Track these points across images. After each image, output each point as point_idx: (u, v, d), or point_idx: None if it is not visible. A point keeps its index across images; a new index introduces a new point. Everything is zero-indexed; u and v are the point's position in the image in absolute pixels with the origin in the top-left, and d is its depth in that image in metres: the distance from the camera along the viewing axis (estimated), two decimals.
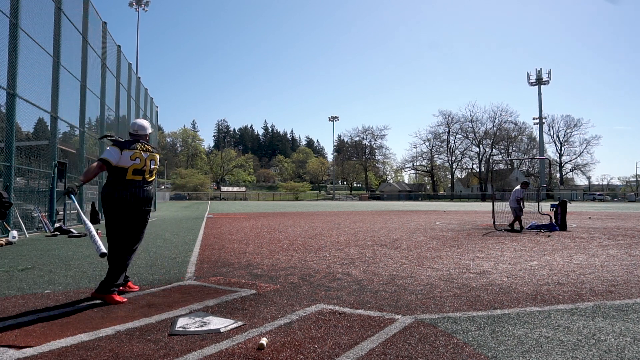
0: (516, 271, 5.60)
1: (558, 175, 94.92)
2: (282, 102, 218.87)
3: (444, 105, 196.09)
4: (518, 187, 12.34)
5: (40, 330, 3.10)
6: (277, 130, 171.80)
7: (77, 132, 14.21)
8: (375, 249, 7.84)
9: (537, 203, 13.42)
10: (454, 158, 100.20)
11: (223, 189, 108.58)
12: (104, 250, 3.56)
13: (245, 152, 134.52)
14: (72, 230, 10.58)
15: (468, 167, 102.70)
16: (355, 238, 9.89)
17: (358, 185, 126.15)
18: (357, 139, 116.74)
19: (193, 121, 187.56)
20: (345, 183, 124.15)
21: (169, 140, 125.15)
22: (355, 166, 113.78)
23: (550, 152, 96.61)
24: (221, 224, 14.68)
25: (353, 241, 9.22)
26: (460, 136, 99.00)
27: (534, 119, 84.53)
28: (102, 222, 14.00)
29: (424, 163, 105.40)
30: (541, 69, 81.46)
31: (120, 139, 4.10)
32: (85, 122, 14.44)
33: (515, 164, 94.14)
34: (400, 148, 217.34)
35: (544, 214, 12.39)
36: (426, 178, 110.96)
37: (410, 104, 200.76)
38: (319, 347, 2.79)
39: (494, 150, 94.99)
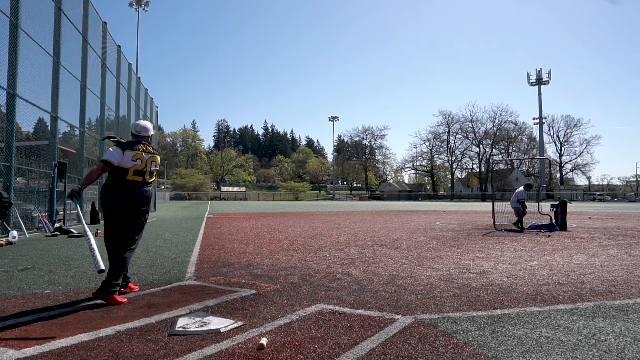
0: (516, 271, 5.59)
1: (558, 175, 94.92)
2: (282, 102, 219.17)
3: (444, 105, 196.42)
4: (521, 188, 12.33)
5: (40, 330, 3.10)
6: (277, 130, 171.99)
7: (77, 132, 14.21)
8: (375, 249, 7.84)
9: (537, 203, 13.42)
10: (454, 158, 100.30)
11: (223, 189, 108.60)
12: (102, 267, 3.53)
13: (245, 152, 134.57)
14: (72, 230, 10.58)
15: (468, 167, 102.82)
16: (355, 238, 9.89)
17: (358, 185, 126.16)
18: (357, 139, 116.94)
19: (193, 121, 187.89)
20: (345, 183, 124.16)
21: (169, 140, 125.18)
22: (355, 166, 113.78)
23: (550, 152, 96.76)
24: (221, 224, 14.68)
25: (353, 241, 9.22)
26: (460, 136, 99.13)
27: (534, 119, 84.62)
28: (102, 222, 14.00)
29: (424, 163, 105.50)
30: (541, 69, 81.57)
31: (122, 140, 4.13)
32: (85, 122, 14.44)
33: (515, 164, 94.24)
34: (400, 148, 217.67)
35: (544, 214, 12.39)
36: (426, 178, 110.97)
37: (410, 104, 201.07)
38: (319, 347, 2.79)
39: (494, 150, 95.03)
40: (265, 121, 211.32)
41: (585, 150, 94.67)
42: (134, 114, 22.07)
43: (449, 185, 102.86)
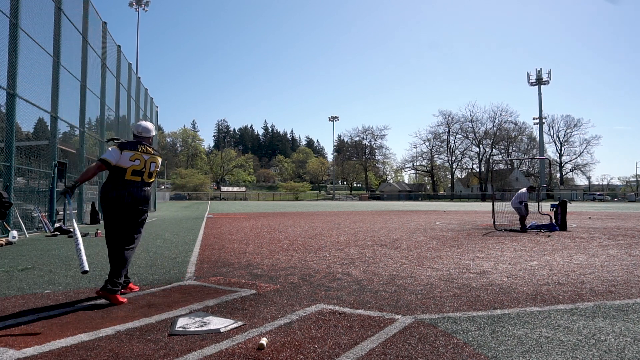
0: (516, 271, 5.59)
1: (558, 175, 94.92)
2: (282, 102, 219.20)
3: (444, 105, 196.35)
4: (524, 190, 12.32)
5: (40, 330, 3.10)
6: (277, 130, 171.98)
7: (77, 132, 14.21)
8: (375, 249, 7.84)
9: (537, 203, 13.42)
10: (454, 158, 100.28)
11: (223, 189, 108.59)
12: (86, 268, 3.52)
13: (245, 152, 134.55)
14: (72, 230, 10.57)
15: (468, 167, 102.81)
16: (355, 238, 9.89)
17: (358, 185, 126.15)
18: (357, 139, 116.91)
19: (193, 121, 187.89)
20: (345, 183, 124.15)
21: (169, 140, 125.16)
22: (355, 166, 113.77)
23: (550, 152, 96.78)
24: (221, 224, 14.68)
25: (353, 241, 9.22)
26: (460, 136, 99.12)
27: (534, 119, 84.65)
28: (102, 222, 14.00)
29: (424, 163, 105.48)
30: (541, 69, 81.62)
31: (124, 141, 4.16)
32: (85, 122, 14.44)
33: (515, 164, 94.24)
34: (400, 148, 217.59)
35: (544, 214, 12.39)
36: (426, 178, 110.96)
37: (410, 104, 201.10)
38: (319, 347, 2.79)
39: (494, 150, 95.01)
40: (265, 121, 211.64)
41: (585, 150, 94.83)
42: (134, 114, 22.07)
43: (449, 185, 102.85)
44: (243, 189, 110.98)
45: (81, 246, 3.67)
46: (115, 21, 78.22)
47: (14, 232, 8.89)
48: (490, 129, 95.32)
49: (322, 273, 5.45)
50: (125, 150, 4.05)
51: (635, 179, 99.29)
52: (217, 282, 4.83)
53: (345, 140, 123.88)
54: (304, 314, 3.54)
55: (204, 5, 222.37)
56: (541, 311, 3.64)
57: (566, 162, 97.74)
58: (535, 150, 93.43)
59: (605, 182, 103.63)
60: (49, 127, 11.73)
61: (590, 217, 18.69)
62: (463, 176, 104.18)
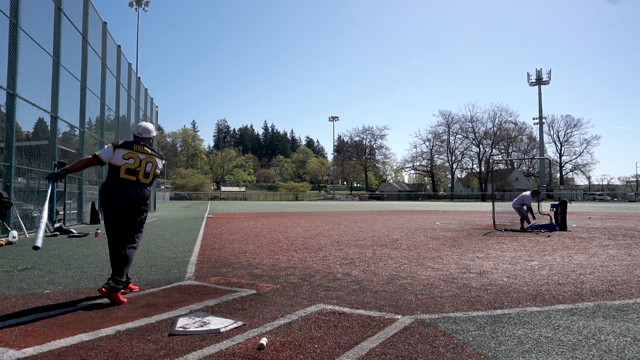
0: (516, 271, 5.59)
1: (558, 175, 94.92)
2: (282, 102, 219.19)
3: (444, 105, 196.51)
4: (528, 193, 12.28)
5: (40, 330, 3.09)
6: (277, 130, 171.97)
7: (77, 132, 14.21)
8: (375, 249, 7.84)
9: (537, 203, 13.42)
10: (454, 158, 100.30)
11: (223, 189, 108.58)
12: (38, 244, 3.54)
13: (245, 152, 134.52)
14: (72, 230, 10.58)
15: (468, 167, 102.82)
16: (355, 238, 9.89)
17: (358, 185, 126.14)
18: (357, 139, 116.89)
19: (193, 121, 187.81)
20: (345, 183, 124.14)
21: (169, 140, 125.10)
22: (355, 166, 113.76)
23: (550, 152, 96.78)
24: (221, 224, 14.68)
25: (353, 241, 9.21)
26: (460, 136, 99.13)
27: (534, 119, 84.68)
28: (102, 222, 13.98)
29: (424, 163, 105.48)
30: (541, 69, 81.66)
31: (120, 141, 4.22)
32: (85, 122, 14.44)
33: (515, 164, 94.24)
34: (400, 148, 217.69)
35: (544, 214, 12.39)
36: (426, 178, 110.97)
37: (410, 104, 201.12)
38: (319, 347, 2.79)
39: (494, 150, 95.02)
40: (265, 121, 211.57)
41: (585, 150, 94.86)
42: (134, 114, 22.07)
43: (449, 185, 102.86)
44: (243, 189, 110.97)
45: (43, 225, 3.80)
46: (115, 21, 78.37)
47: (14, 232, 8.89)
48: (490, 129, 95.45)
49: (322, 273, 5.45)
50: (119, 149, 4.09)
51: (635, 179, 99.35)
52: (217, 282, 4.83)
53: (345, 140, 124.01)
54: (304, 314, 3.54)
55: (204, 5, 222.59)
56: (541, 311, 3.64)
57: (566, 162, 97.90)
58: (535, 150, 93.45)
59: (605, 182, 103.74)
60: (49, 127, 11.73)
61: (590, 217, 18.69)
62: (463, 176, 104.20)
